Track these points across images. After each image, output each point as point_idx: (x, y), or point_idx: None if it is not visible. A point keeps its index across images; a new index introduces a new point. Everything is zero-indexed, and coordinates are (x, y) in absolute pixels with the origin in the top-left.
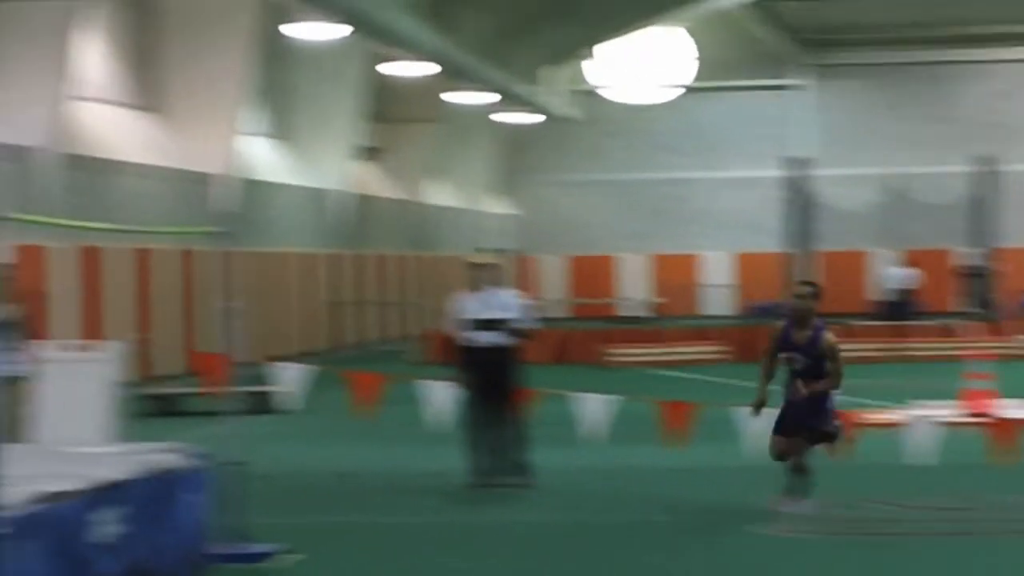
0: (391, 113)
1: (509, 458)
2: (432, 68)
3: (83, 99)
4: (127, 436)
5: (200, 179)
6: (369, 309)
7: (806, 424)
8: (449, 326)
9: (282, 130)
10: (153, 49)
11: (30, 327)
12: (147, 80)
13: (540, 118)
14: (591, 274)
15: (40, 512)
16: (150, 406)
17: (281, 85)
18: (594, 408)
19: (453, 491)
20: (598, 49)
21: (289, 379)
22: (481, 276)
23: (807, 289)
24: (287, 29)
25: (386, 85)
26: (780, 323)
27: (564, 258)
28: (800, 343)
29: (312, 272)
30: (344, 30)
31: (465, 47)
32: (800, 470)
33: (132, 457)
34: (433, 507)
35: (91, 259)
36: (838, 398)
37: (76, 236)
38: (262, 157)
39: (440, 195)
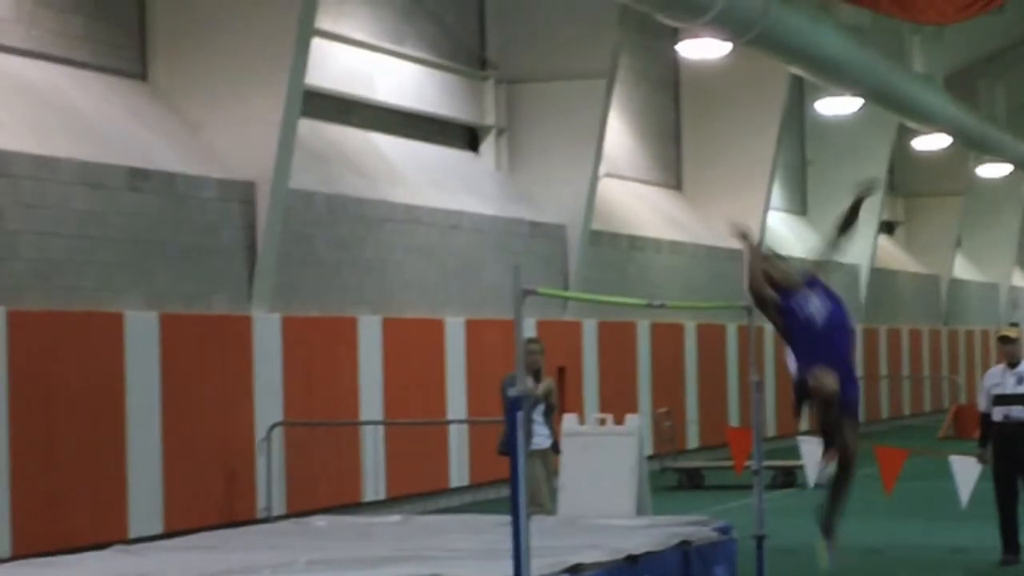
0: (909, 186)
1: None
2: (955, 140)
3: (609, 176)
4: (653, 508)
5: (723, 255)
6: (891, 384)
7: None
8: (979, 401)
9: (797, 204)
10: (675, 127)
11: (559, 401)
12: (669, 157)
13: None
14: None
15: None
16: (675, 479)
17: (796, 159)
18: None
19: (981, 568)
20: None
21: (811, 454)
22: (1012, 350)
23: None
24: (818, 106)
25: (903, 158)
26: None
27: None
28: None
29: None
30: (861, 103)
31: (988, 119)
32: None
33: (658, 529)
34: None
35: (616, 333)
36: None
37: (602, 311)
38: (777, 231)
39: (963, 268)
